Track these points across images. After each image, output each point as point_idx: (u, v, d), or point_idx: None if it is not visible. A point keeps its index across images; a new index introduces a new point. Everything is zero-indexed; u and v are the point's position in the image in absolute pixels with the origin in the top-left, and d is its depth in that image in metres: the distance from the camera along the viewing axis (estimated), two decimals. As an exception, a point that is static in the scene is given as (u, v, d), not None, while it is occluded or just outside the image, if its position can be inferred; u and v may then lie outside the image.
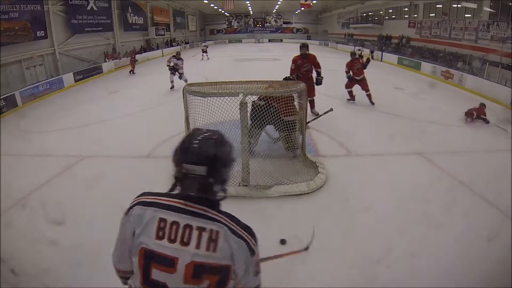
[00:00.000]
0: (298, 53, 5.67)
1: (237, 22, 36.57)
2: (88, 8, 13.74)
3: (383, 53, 16.44)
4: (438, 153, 4.28)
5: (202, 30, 35.37)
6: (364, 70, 6.75)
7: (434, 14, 14.97)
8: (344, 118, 6.06)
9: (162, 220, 0.85)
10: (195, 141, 0.86)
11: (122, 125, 5.95)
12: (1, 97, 7.59)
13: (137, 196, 0.95)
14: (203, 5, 28.28)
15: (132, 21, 18.11)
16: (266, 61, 15.74)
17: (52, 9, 11.49)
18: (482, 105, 5.84)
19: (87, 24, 13.80)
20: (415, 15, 16.63)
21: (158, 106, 7.15)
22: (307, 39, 32.60)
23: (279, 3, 28.38)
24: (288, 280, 2.23)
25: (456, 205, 3.03)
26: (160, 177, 3.64)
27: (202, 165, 0.83)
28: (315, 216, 2.98)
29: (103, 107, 7.58)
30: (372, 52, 16.85)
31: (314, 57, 5.67)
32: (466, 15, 12.68)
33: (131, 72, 12.73)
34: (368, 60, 7.07)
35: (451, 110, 6.41)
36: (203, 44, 19.12)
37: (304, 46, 5.66)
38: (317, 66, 5.67)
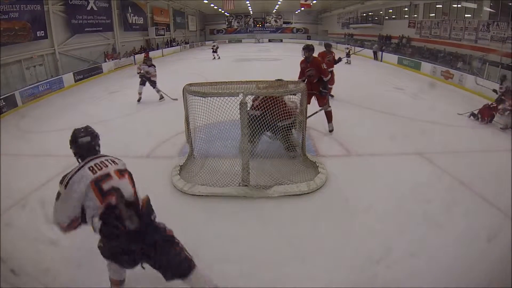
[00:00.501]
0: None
1: (237, 22, 36.56)
2: (88, 8, 13.73)
3: (383, 53, 16.45)
4: (438, 153, 4.28)
5: (202, 30, 35.36)
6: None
7: (434, 14, 14.97)
8: (344, 118, 6.06)
9: (90, 167, 1.69)
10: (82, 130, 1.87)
11: (122, 125, 5.95)
12: (1, 97, 7.59)
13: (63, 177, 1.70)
14: (203, 5, 28.28)
15: (132, 21, 18.10)
16: (266, 61, 15.74)
17: (52, 9, 11.49)
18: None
19: (87, 24, 13.80)
20: (415, 15, 16.63)
21: (158, 106, 7.15)
22: (307, 39, 32.66)
23: (279, 3, 28.38)
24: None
25: (456, 205, 3.04)
26: (160, 177, 3.70)
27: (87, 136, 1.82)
28: (315, 216, 2.98)
29: (103, 107, 7.58)
30: (375, 52, 16.89)
31: (318, 62, 4.84)
32: (466, 15, 12.68)
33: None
34: (339, 59, 7.30)
35: (451, 110, 6.41)
36: (213, 43, 19.15)
37: (306, 49, 4.88)
38: (323, 72, 4.78)
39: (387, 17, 20.08)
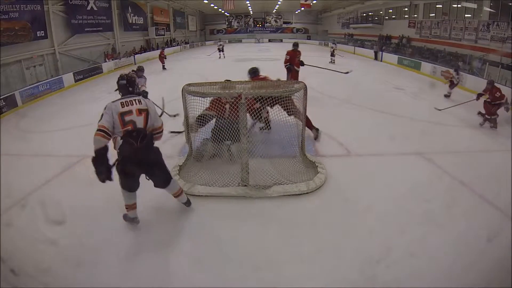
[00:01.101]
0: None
1: (237, 22, 36.56)
2: (88, 8, 13.73)
3: (383, 53, 16.46)
4: (438, 153, 4.28)
5: (202, 30, 35.36)
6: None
7: (434, 14, 14.97)
8: (344, 118, 6.06)
9: (121, 102, 2.45)
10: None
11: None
12: (1, 97, 7.59)
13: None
14: (203, 5, 28.28)
15: (132, 21, 18.10)
16: (266, 61, 15.72)
17: (52, 9, 11.49)
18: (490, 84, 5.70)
19: (87, 24, 13.80)
20: (415, 15, 16.63)
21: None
22: (307, 39, 32.68)
23: (279, 3, 28.37)
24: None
25: (456, 205, 3.03)
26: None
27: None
28: (314, 216, 2.98)
29: (103, 107, 7.57)
30: (376, 52, 16.89)
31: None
32: (466, 15, 12.68)
33: (163, 68, 13.67)
34: (302, 63, 7.09)
35: (451, 110, 6.40)
36: (219, 42, 19.20)
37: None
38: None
39: (387, 17, 20.09)
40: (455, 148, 4.58)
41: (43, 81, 9.75)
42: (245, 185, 3.34)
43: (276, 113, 3.78)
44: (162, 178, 2.67)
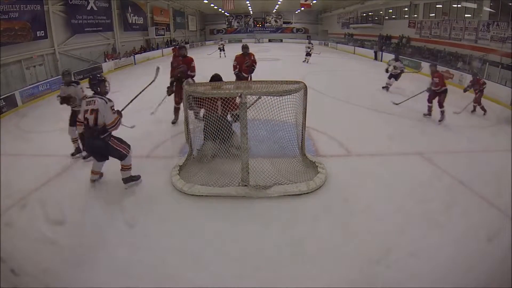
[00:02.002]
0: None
1: (237, 22, 36.56)
2: (88, 8, 13.72)
3: (383, 53, 16.45)
4: (438, 153, 4.28)
5: (202, 30, 35.35)
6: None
7: (434, 14, 14.97)
8: (344, 118, 6.06)
9: (87, 100, 3.34)
10: None
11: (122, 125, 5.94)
12: (1, 97, 7.58)
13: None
14: (203, 5, 28.27)
15: (132, 21, 18.09)
16: (266, 61, 15.73)
17: (52, 9, 11.47)
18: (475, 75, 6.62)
19: (87, 24, 13.79)
20: (415, 15, 16.62)
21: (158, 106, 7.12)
22: (307, 39, 32.65)
23: (279, 3, 28.36)
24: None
25: (456, 205, 3.03)
26: (160, 177, 3.69)
27: None
28: (314, 216, 2.98)
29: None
30: (376, 52, 16.88)
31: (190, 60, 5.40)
32: (466, 15, 12.67)
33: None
34: (252, 70, 6.47)
35: (451, 110, 6.40)
36: (221, 42, 19.21)
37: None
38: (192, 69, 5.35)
39: (387, 17, 20.08)
40: (455, 148, 4.58)
41: (43, 81, 9.73)
42: (245, 185, 3.34)
43: (277, 113, 3.77)
44: (116, 155, 3.38)
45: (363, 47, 20.12)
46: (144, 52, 18.69)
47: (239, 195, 3.26)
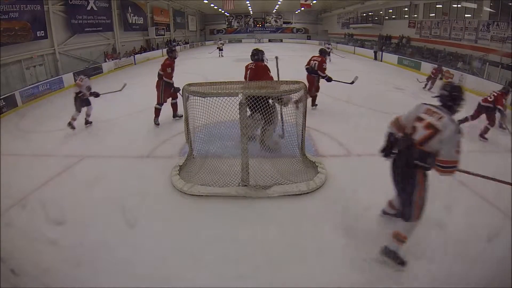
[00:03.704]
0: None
1: (237, 22, 36.56)
2: (88, 8, 13.72)
3: (383, 53, 16.46)
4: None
5: (202, 30, 35.36)
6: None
7: (434, 14, 14.97)
8: (344, 118, 6.06)
9: (427, 109, 2.28)
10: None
11: (122, 125, 5.95)
12: (1, 97, 7.58)
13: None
14: (203, 5, 28.27)
15: (132, 21, 18.09)
16: (266, 61, 15.75)
17: (52, 9, 11.47)
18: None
19: (87, 24, 13.79)
20: (415, 15, 16.63)
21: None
22: (307, 39, 32.69)
23: (279, 3, 28.36)
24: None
25: (456, 205, 3.03)
26: (160, 177, 3.69)
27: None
28: (314, 216, 2.98)
29: (103, 107, 7.58)
30: (376, 52, 16.88)
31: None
32: (466, 15, 12.68)
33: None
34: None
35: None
36: (220, 42, 19.26)
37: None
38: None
39: (387, 17, 20.09)
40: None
41: (43, 81, 9.74)
42: (245, 185, 3.34)
43: (277, 113, 3.78)
44: (407, 202, 2.36)
45: (363, 47, 20.13)
46: (144, 52, 18.70)
47: (239, 195, 3.25)
